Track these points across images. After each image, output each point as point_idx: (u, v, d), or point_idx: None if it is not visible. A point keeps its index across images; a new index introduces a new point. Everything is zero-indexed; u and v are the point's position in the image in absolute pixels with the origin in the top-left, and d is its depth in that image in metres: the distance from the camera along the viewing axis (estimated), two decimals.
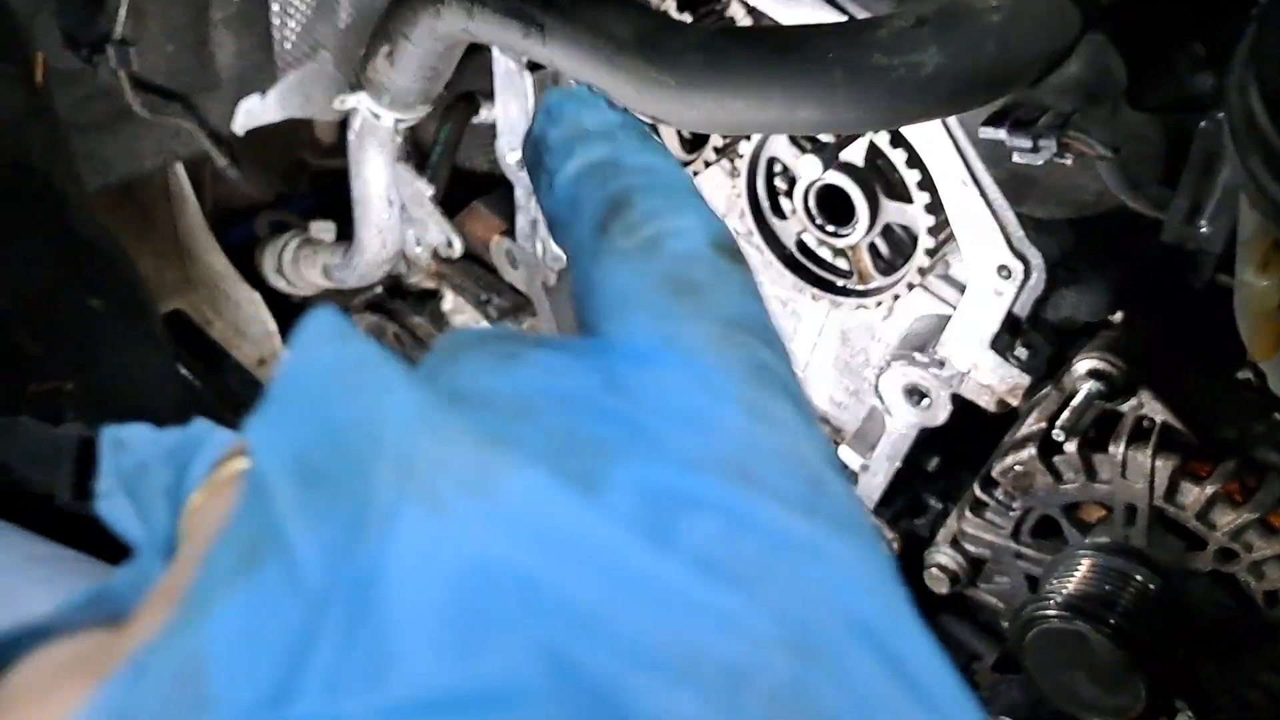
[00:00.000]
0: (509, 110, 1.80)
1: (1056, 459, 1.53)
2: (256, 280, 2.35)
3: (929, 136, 1.36)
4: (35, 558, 0.80)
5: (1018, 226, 1.36)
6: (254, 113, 1.93)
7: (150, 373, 1.18)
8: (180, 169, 2.15)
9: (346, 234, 2.17)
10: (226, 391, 1.62)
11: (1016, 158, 1.20)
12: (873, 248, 1.59)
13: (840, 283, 1.66)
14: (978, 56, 1.08)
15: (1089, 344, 1.45)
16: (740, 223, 1.73)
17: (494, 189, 2.19)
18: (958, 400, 1.59)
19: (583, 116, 0.52)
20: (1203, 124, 1.13)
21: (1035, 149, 1.18)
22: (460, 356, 0.41)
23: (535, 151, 0.53)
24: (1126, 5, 1.17)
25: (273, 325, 2.24)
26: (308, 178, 2.65)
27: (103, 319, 1.11)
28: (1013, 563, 1.69)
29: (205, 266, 2.30)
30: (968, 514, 1.68)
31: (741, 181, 1.64)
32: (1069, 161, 1.18)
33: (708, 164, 1.68)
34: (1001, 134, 1.20)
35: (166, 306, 2.49)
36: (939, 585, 1.78)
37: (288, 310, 2.51)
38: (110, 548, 1.10)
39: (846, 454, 1.73)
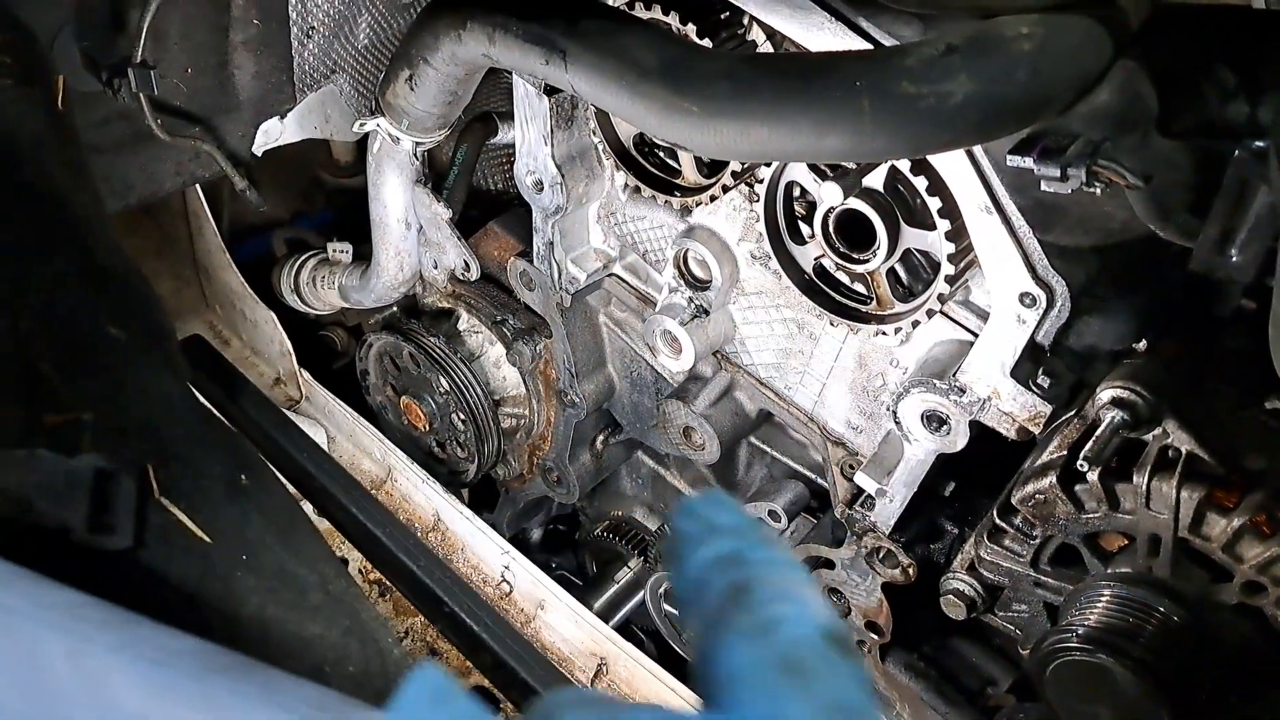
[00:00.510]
0: (527, 134, 1.79)
1: (1078, 488, 1.51)
2: (272, 299, 2.36)
3: (952, 163, 1.35)
4: (50, 605, 0.79)
5: (1042, 255, 1.35)
6: (273, 134, 1.94)
7: (169, 402, 1.17)
8: (198, 189, 2.15)
9: (363, 254, 2.17)
10: (243, 416, 1.61)
11: (1044, 186, 1.19)
12: (892, 273, 1.58)
13: (858, 308, 1.65)
14: (1008, 85, 1.07)
15: (1112, 372, 1.43)
16: (757, 247, 1.72)
17: (508, 209, 2.19)
18: (976, 427, 1.57)
19: (714, 515, 0.61)
20: (1236, 152, 1.12)
21: (1064, 178, 1.17)
22: (562, 717, 0.47)
23: (671, 540, 0.62)
24: (1156, 32, 1.16)
25: (288, 345, 2.24)
26: (324, 195, 2.65)
27: (123, 347, 1.11)
28: (1032, 591, 1.67)
29: (222, 285, 2.30)
30: (985, 541, 1.66)
31: (760, 206, 1.64)
32: (1098, 190, 1.17)
33: (726, 189, 1.68)
34: (1029, 162, 1.19)
35: (185, 327, 2.49)
36: (955, 612, 1.76)
37: (303, 329, 2.52)
38: (125, 587, 1.09)
39: (862, 479, 1.72)
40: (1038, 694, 1.55)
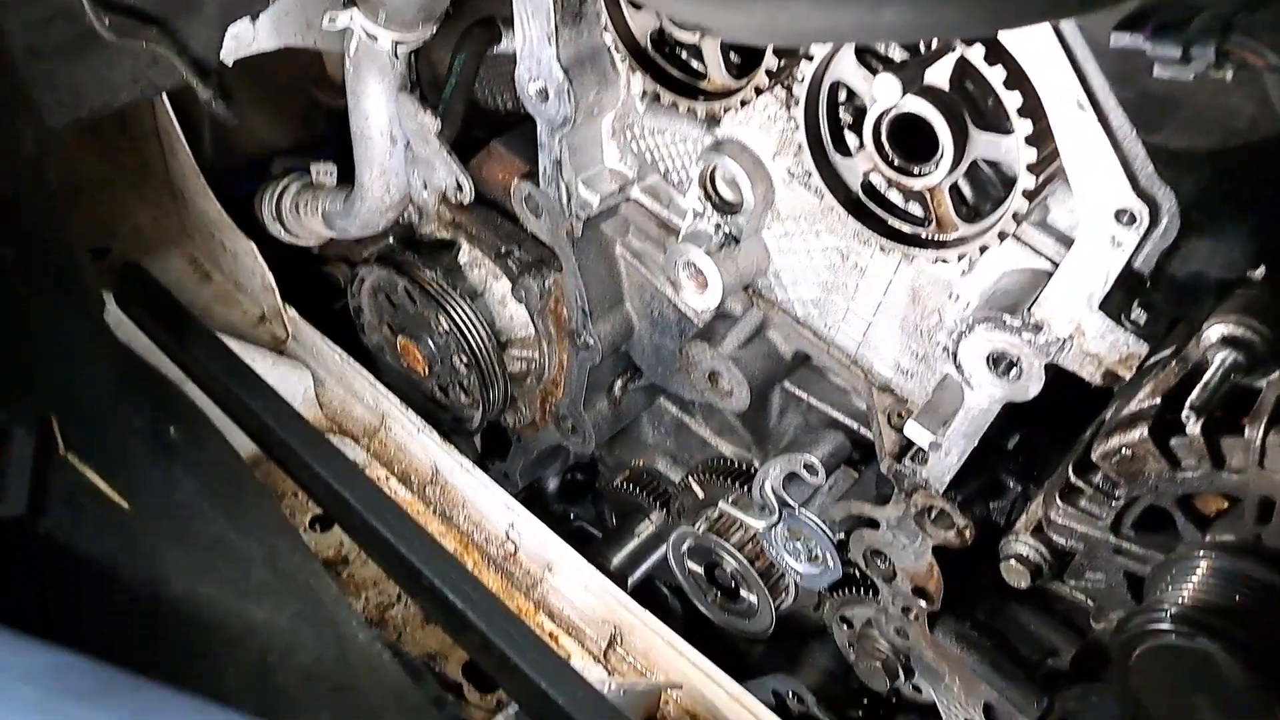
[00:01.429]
0: (529, 32, 1.56)
1: (1174, 442, 1.29)
2: (257, 229, 2.15)
3: (1037, 48, 1.11)
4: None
5: (1146, 161, 1.11)
6: (244, 39, 1.71)
7: (77, 342, 0.97)
8: (168, 106, 1.93)
9: (351, 177, 1.96)
10: (192, 360, 1.41)
11: (1158, 71, 0.96)
12: (955, 190, 1.34)
13: (914, 232, 1.42)
14: None
15: (1223, 305, 1.21)
16: (796, 162, 1.49)
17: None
18: (1053, 370, 1.34)
19: None
20: None
21: (1185, 59, 0.94)
22: None
23: None
24: None
25: (270, 279, 2.04)
26: (324, 118, 2.44)
27: (13, 271, 0.90)
28: (1110, 559, 1.46)
29: (199, 214, 2.10)
30: (1057, 501, 1.45)
31: (799, 112, 1.40)
32: (1227, 76, 0.93)
33: (759, 91, 1.45)
34: (1140, 41, 0.96)
35: (164, 260, 2.30)
36: (1018, 579, 1.56)
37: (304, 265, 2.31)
38: (17, 561, 0.89)
39: (914, 430, 1.50)
40: (1119, 679, 1.34)
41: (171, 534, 0.96)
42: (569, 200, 1.78)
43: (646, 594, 2.61)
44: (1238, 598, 1.22)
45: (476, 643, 1.12)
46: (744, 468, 2.10)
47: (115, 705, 0.62)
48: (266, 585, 1.00)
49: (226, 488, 1.01)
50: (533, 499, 2.73)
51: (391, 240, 2.08)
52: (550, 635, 1.81)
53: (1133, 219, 1.14)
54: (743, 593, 2.17)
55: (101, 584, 0.93)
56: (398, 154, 1.74)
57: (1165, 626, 1.24)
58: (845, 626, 2.05)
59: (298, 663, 0.97)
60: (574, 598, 1.88)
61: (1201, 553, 1.29)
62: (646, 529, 2.41)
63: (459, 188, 1.77)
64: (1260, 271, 1.21)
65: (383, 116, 1.70)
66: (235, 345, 1.90)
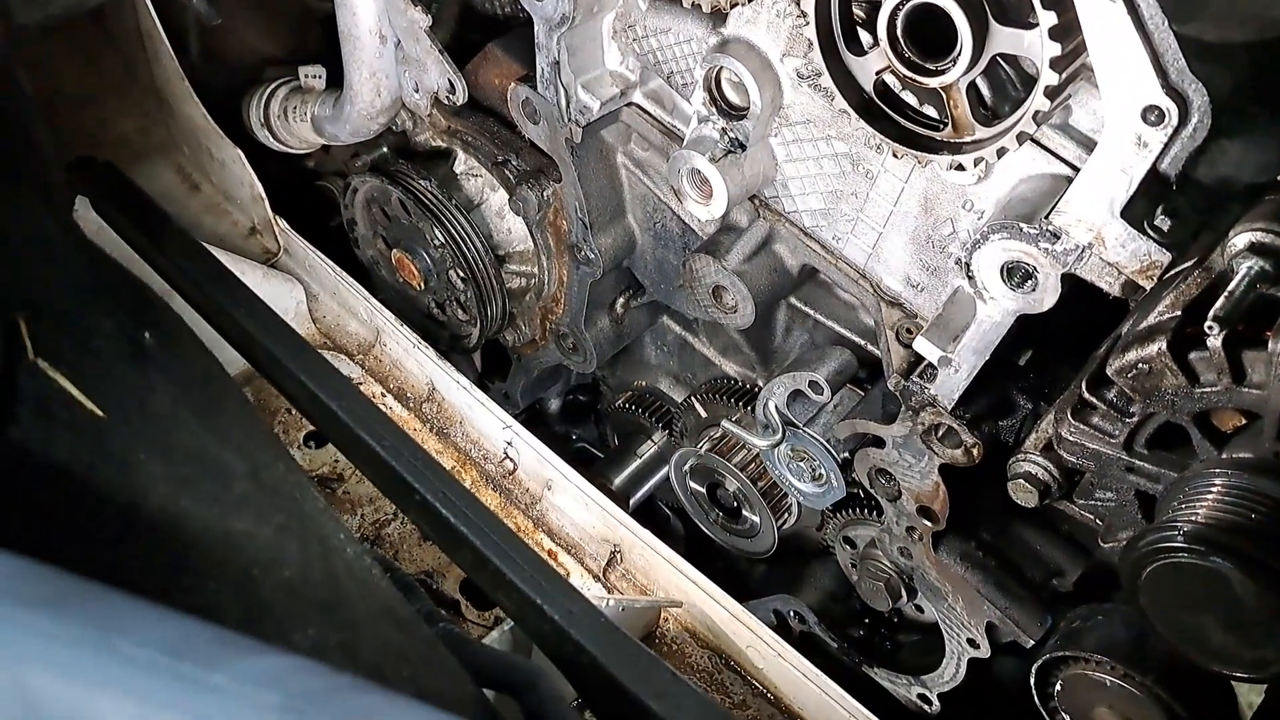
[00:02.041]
0: None
1: (1193, 356, 1.24)
2: (245, 138, 2.08)
3: None
4: None
5: (1178, 54, 1.04)
6: None
7: (44, 241, 0.91)
8: (150, 8, 1.85)
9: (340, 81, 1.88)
10: (172, 268, 1.35)
11: None
12: (973, 90, 1.27)
13: (928, 135, 1.35)
14: None
15: (1251, 211, 1.15)
16: (805, 62, 1.42)
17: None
18: (1070, 281, 1.29)
19: None
20: None
21: None
22: None
23: None
24: None
25: (259, 188, 1.97)
26: (318, 26, 2.35)
27: None
28: (1122, 477, 1.42)
29: (186, 121, 2.02)
30: (1069, 419, 1.40)
31: (810, 6, 1.32)
32: None
33: None
34: None
35: (153, 169, 2.23)
36: (1025, 498, 1.53)
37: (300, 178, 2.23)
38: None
39: (923, 345, 1.45)
40: (1128, 599, 1.30)
41: (149, 444, 0.92)
42: (568, 105, 1.70)
43: (649, 515, 2.59)
44: (1253, 516, 1.18)
45: (470, 559, 1.09)
46: (748, 387, 2.06)
47: (72, 612, 0.59)
48: (249, 497, 0.96)
49: (206, 397, 0.97)
50: (534, 420, 2.70)
51: (385, 149, 2.00)
52: (549, 553, 1.79)
53: (1161, 117, 1.08)
54: (745, 513, 2.15)
55: (76, 495, 0.89)
56: (388, 54, 1.67)
57: (1178, 544, 1.20)
58: (848, 547, 2.03)
59: (283, 577, 0.93)
60: (573, 515, 1.85)
61: (1217, 470, 1.25)
62: (649, 449, 2.38)
63: (451, 89, 1.69)
64: None
65: (371, 13, 1.62)
66: (224, 258, 1.85)
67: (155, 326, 0.98)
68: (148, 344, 0.97)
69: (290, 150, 2.04)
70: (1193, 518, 1.22)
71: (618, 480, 2.35)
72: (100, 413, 0.91)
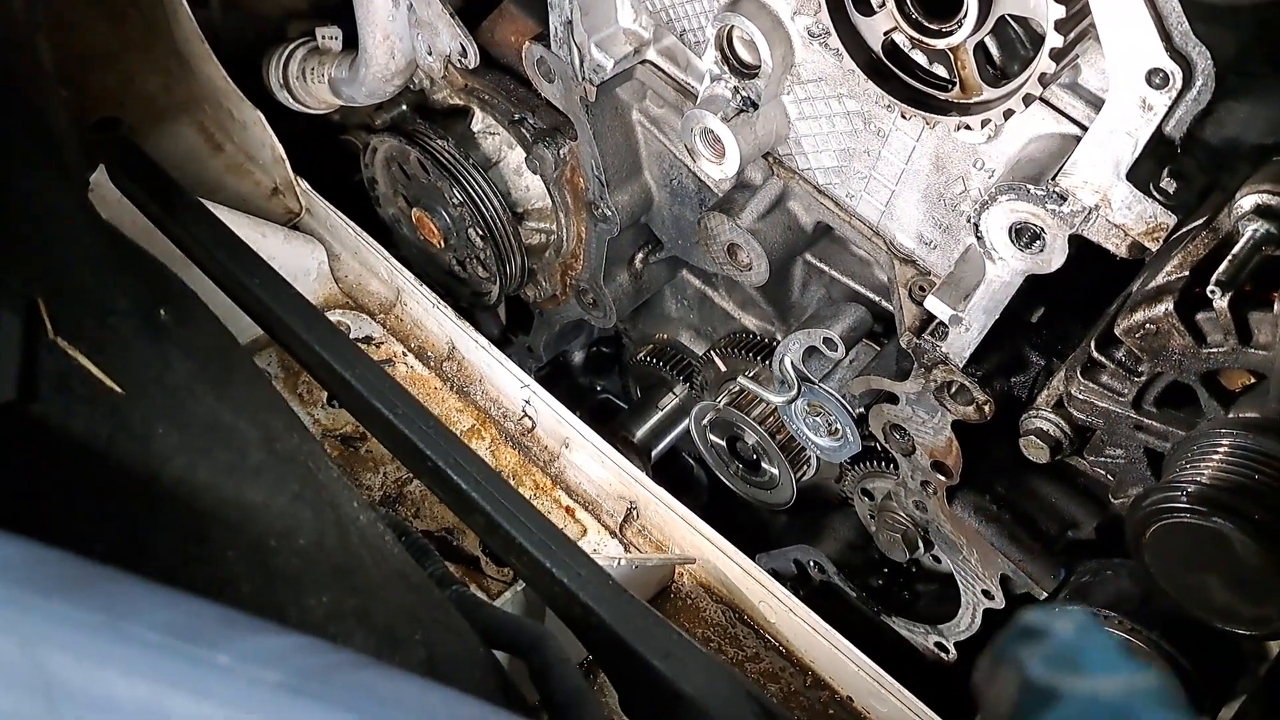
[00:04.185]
0: None
1: (1200, 316, 1.24)
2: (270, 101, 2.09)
3: None
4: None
5: (1181, 16, 1.03)
6: None
7: (60, 218, 0.94)
8: None
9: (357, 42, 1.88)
10: (189, 239, 1.38)
11: None
12: (981, 50, 1.26)
13: (937, 95, 1.34)
14: None
15: (1258, 172, 1.14)
16: (815, 21, 1.41)
17: None
18: (1077, 242, 1.29)
19: (1082, 651, 0.51)
20: None
21: None
22: None
23: (996, 670, 0.53)
24: None
25: (280, 150, 1.99)
26: None
27: None
28: (1131, 435, 1.43)
29: (207, 81, 2.04)
30: (1078, 377, 1.41)
31: None
32: None
33: None
34: None
35: (174, 129, 2.25)
36: (1037, 454, 1.54)
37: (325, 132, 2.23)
38: (11, 448, 0.88)
39: (934, 304, 1.45)
40: (1133, 555, 1.32)
41: (166, 417, 0.95)
42: (581, 64, 1.70)
43: (672, 465, 2.63)
44: (1256, 476, 1.19)
45: (483, 524, 1.12)
46: (766, 341, 2.07)
47: (86, 596, 0.62)
48: (264, 467, 0.99)
49: (220, 369, 1.00)
50: (559, 372, 2.73)
51: (405, 107, 2.01)
52: (567, 510, 1.82)
53: (1165, 80, 1.07)
54: (764, 465, 2.18)
55: (96, 469, 0.92)
56: (400, 16, 1.67)
57: (1181, 504, 1.21)
58: (866, 499, 2.05)
59: (298, 544, 0.97)
60: (590, 472, 1.88)
61: (1222, 430, 1.26)
62: (670, 402, 2.40)
63: (463, 53, 1.69)
64: None
65: None
66: (246, 220, 1.88)
67: (170, 302, 1.01)
68: (163, 319, 1.00)
69: (310, 111, 2.06)
70: (1196, 478, 1.23)
71: (640, 432, 2.38)
72: (118, 389, 0.95)
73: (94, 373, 0.95)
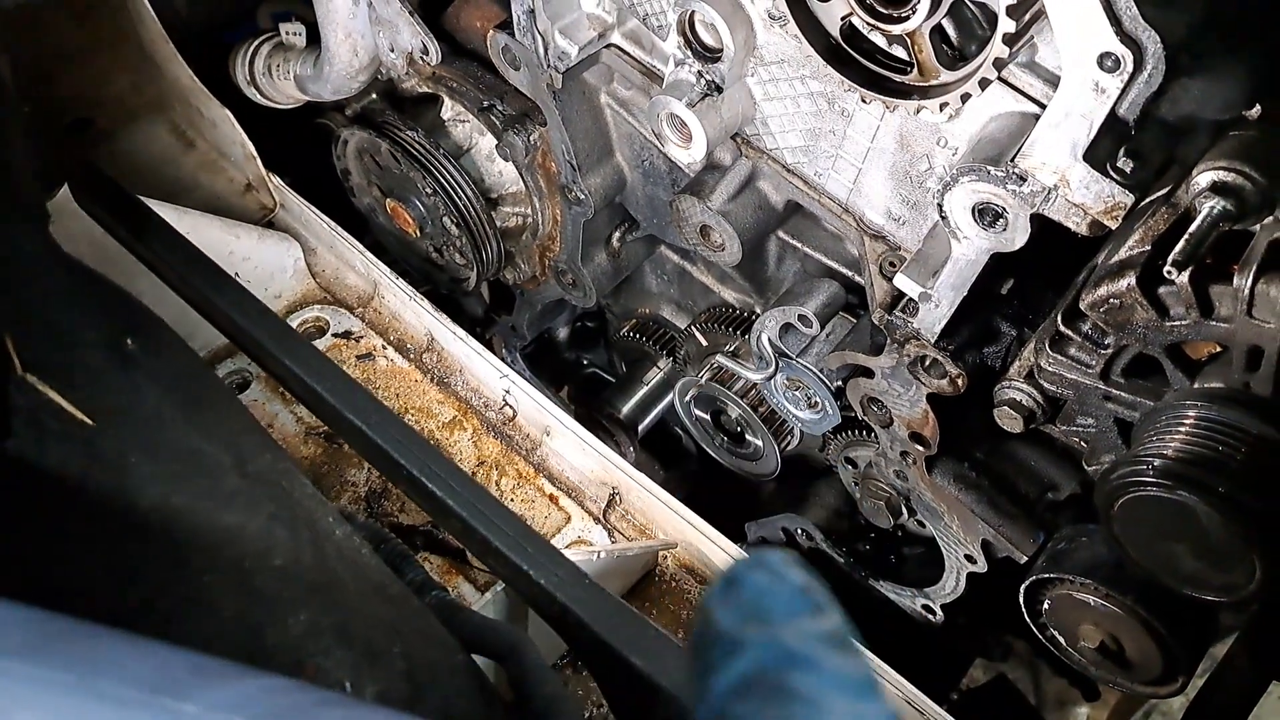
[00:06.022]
0: None
1: (1162, 290, 1.26)
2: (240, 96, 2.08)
3: None
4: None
5: (1130, 1, 1.03)
6: None
7: (22, 255, 0.95)
8: None
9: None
10: (155, 258, 1.37)
11: None
12: (938, 32, 1.26)
13: (895, 78, 1.34)
14: None
15: (1214, 148, 1.15)
16: (774, 5, 1.41)
17: None
18: (1039, 221, 1.30)
19: (766, 599, 0.49)
20: None
21: None
22: None
23: (701, 631, 0.50)
24: None
25: (250, 147, 1.98)
26: None
27: None
28: (1100, 405, 1.45)
29: (173, 81, 2.03)
30: (1047, 350, 1.43)
31: None
32: None
33: None
34: None
35: (147, 129, 2.24)
36: (1011, 424, 1.56)
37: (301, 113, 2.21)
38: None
39: (904, 281, 1.46)
40: (1103, 525, 1.34)
41: (138, 447, 0.96)
42: (546, 52, 1.70)
43: (661, 435, 2.65)
44: (1220, 448, 1.21)
45: (459, 529, 1.14)
46: (746, 314, 2.08)
47: (55, 655, 0.64)
48: (238, 490, 1.00)
49: (190, 395, 1.01)
50: (544, 349, 2.74)
51: (375, 96, 2.00)
52: (550, 497, 1.84)
53: (1116, 64, 1.07)
54: (748, 437, 2.20)
55: (74, 501, 0.94)
56: (361, 14, 1.66)
57: (1148, 478, 1.23)
58: (850, 467, 2.07)
59: (275, 565, 0.98)
60: (572, 460, 1.90)
61: (1186, 402, 1.27)
62: (655, 376, 2.41)
63: (425, 50, 1.68)
64: (1256, 111, 1.14)
65: None
66: (218, 223, 1.87)
67: (136, 331, 1.02)
68: (130, 349, 1.01)
69: (278, 106, 2.05)
70: (1162, 451, 1.25)
71: (625, 408, 2.40)
72: (89, 420, 0.96)
73: (64, 406, 0.96)
